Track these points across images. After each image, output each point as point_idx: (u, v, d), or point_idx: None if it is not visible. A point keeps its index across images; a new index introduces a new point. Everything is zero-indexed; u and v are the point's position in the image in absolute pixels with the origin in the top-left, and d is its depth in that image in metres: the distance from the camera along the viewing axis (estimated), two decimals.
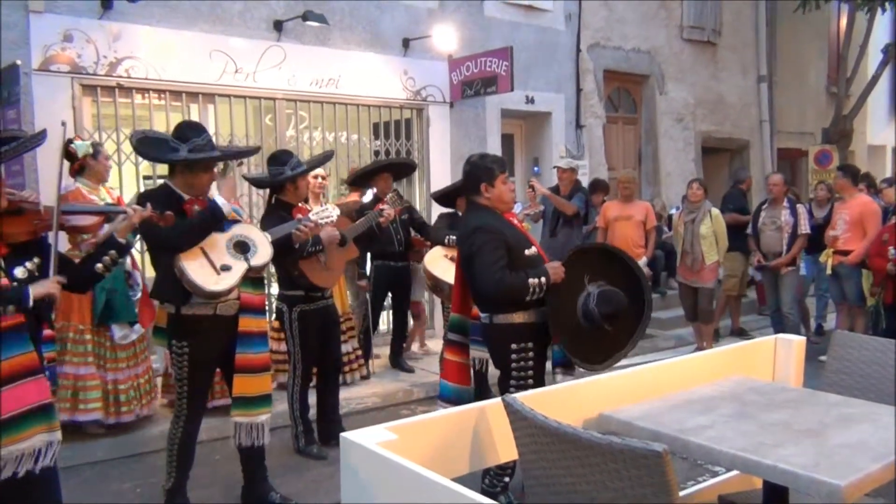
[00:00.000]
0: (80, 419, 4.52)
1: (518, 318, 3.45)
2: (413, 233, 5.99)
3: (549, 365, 3.61)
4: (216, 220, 3.42)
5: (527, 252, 3.46)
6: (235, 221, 3.61)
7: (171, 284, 3.35)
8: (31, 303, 2.46)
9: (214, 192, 5.52)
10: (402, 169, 6.25)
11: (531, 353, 3.46)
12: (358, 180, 6.10)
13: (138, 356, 4.77)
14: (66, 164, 4.49)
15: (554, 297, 3.40)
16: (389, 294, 6.31)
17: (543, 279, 3.34)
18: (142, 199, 3.40)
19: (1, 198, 2.57)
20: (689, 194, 7.13)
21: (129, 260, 4.58)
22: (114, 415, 4.63)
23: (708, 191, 7.25)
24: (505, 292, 3.37)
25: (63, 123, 2.86)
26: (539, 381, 3.47)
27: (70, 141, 4.54)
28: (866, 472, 1.83)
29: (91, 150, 4.55)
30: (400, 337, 6.51)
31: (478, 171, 3.51)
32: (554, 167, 7.20)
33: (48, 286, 2.51)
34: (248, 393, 3.59)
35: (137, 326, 4.66)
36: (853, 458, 1.91)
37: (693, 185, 7.10)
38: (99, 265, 2.81)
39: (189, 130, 3.43)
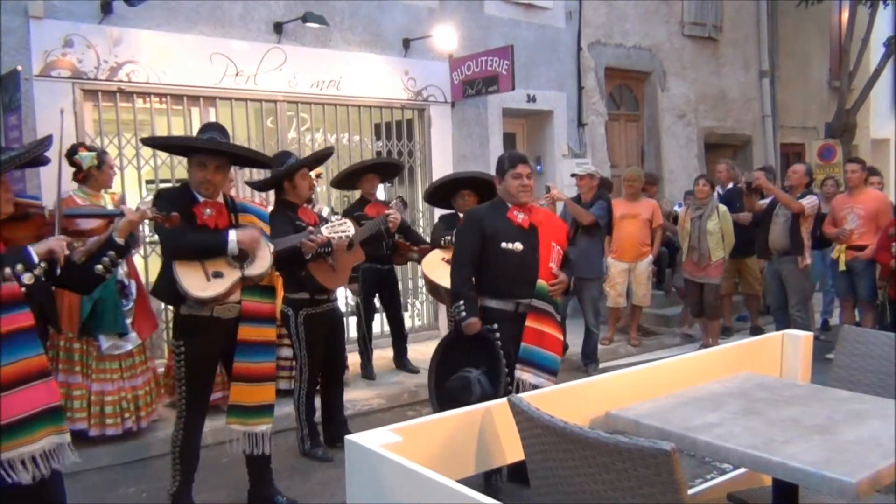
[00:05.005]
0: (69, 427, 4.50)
1: (488, 302, 3.77)
2: (397, 236, 5.89)
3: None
4: (218, 250, 3.35)
5: (503, 245, 3.70)
6: (242, 226, 3.55)
7: (168, 285, 3.35)
8: (35, 259, 2.52)
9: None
10: (387, 169, 6.09)
11: (497, 335, 3.72)
12: (343, 182, 5.99)
13: (136, 367, 4.61)
14: (69, 169, 4.47)
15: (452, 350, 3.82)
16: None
17: (464, 314, 3.67)
18: (156, 197, 3.44)
19: (6, 203, 2.58)
20: (695, 191, 7.08)
21: (122, 269, 4.46)
22: (97, 426, 4.48)
23: (714, 187, 7.18)
24: (452, 280, 3.80)
25: (61, 111, 2.90)
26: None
27: (74, 151, 4.46)
28: (878, 469, 1.81)
29: (95, 162, 4.47)
30: (400, 338, 6.46)
31: (498, 165, 3.93)
32: (572, 175, 6.85)
33: (50, 242, 2.56)
34: (245, 402, 3.55)
35: (133, 336, 4.53)
36: (865, 455, 1.89)
37: (700, 182, 7.06)
38: (99, 266, 2.82)
39: (212, 132, 3.49)
